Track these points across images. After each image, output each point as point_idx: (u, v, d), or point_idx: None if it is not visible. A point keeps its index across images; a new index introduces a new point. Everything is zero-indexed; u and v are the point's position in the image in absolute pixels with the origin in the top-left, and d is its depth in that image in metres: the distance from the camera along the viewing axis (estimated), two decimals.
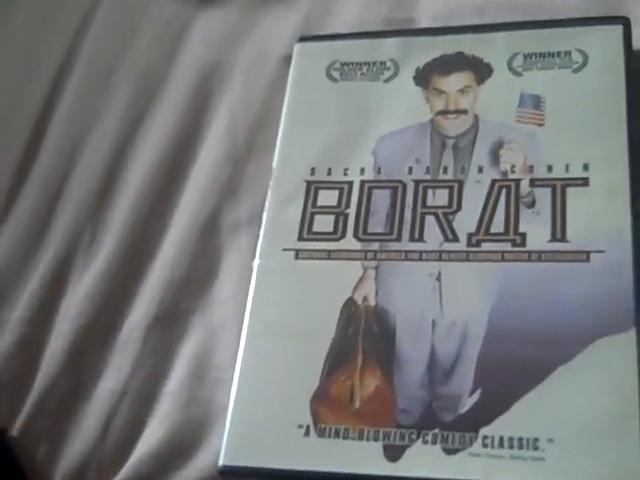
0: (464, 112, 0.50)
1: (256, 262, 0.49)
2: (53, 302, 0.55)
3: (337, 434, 0.43)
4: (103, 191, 0.59)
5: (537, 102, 0.49)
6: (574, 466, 0.40)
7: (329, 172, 0.51)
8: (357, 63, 0.54)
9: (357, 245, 0.48)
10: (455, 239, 0.47)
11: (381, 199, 0.49)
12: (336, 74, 0.54)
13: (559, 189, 0.46)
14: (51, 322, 0.54)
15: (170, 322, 0.53)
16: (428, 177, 0.49)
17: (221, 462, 0.44)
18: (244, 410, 0.45)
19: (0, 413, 0.52)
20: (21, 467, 0.51)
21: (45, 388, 0.52)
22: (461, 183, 0.48)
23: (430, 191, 0.49)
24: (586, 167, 0.47)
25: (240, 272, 0.52)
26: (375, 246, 0.48)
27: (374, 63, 0.54)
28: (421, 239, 0.47)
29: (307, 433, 0.43)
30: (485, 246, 0.46)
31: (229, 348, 0.50)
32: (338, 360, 0.45)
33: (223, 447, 0.44)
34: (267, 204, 0.51)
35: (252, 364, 0.46)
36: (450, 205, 0.48)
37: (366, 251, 0.48)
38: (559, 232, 0.45)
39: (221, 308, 0.52)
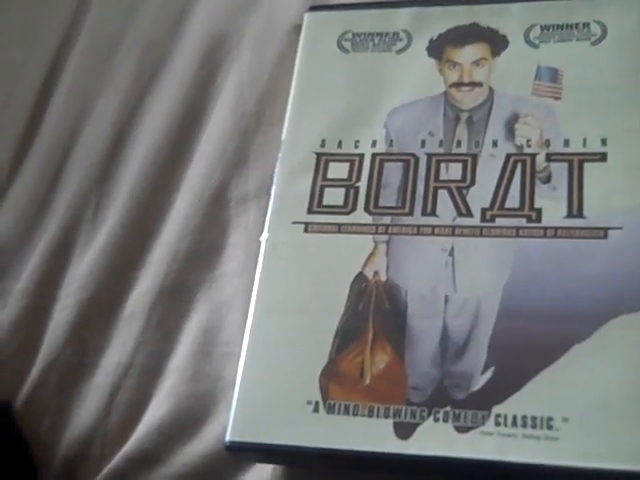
0: (479, 84, 0.49)
1: (264, 235, 0.48)
2: (57, 274, 0.54)
3: (347, 411, 0.42)
4: (107, 164, 0.58)
5: (554, 75, 0.48)
6: (588, 446, 0.39)
7: (339, 144, 0.50)
8: (369, 34, 0.53)
9: (368, 219, 0.47)
10: (469, 214, 0.46)
11: (393, 172, 0.48)
12: (347, 45, 0.53)
13: (576, 164, 0.45)
14: (55, 295, 0.54)
15: (176, 296, 0.52)
16: (441, 150, 0.48)
17: (228, 438, 0.43)
18: (252, 385, 0.44)
19: (4, 386, 0.52)
20: (25, 440, 0.51)
21: (49, 361, 0.52)
22: (475, 157, 0.47)
23: (443, 165, 0.47)
24: (604, 142, 0.46)
25: (248, 246, 0.51)
26: (386, 220, 0.47)
27: (386, 34, 0.53)
28: (434, 214, 0.46)
29: (316, 409, 0.42)
30: (499, 221, 0.45)
31: (236, 323, 0.49)
32: (348, 336, 0.44)
33: (230, 422, 0.43)
34: (276, 177, 0.50)
35: (260, 339, 0.45)
36: (464, 179, 0.47)
37: (377, 225, 0.47)
38: (576, 208, 0.44)
39: (228, 282, 0.51)
